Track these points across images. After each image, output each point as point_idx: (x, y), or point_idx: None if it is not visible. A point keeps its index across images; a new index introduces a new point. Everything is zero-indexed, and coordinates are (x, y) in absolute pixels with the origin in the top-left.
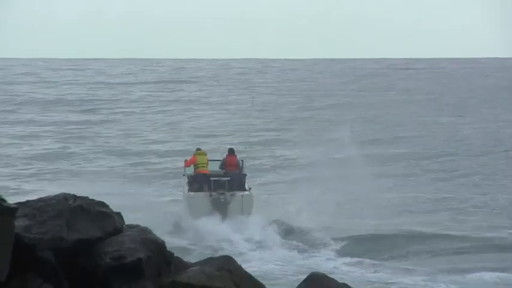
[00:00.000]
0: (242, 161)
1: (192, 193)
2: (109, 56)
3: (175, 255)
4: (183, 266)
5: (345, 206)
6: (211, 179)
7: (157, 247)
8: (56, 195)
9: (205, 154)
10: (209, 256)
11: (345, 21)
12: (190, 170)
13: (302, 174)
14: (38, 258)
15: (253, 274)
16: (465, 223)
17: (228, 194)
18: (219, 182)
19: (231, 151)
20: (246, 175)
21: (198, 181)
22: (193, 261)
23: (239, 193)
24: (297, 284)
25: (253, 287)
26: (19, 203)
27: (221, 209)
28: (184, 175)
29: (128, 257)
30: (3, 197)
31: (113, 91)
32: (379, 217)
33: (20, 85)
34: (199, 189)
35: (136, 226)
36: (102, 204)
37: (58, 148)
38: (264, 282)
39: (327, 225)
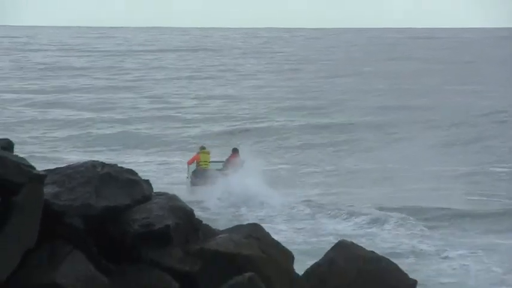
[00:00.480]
0: (244, 161)
1: (196, 187)
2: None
3: None
4: (211, 233)
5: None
6: (213, 172)
7: (186, 214)
8: (84, 162)
9: (208, 153)
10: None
11: None
12: (193, 168)
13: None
14: (66, 225)
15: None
16: None
17: None
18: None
19: (235, 150)
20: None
21: (200, 176)
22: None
23: None
24: (323, 253)
25: (280, 254)
26: (48, 170)
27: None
28: (187, 177)
29: (156, 224)
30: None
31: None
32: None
33: None
34: (201, 184)
35: (165, 194)
36: (130, 171)
37: None
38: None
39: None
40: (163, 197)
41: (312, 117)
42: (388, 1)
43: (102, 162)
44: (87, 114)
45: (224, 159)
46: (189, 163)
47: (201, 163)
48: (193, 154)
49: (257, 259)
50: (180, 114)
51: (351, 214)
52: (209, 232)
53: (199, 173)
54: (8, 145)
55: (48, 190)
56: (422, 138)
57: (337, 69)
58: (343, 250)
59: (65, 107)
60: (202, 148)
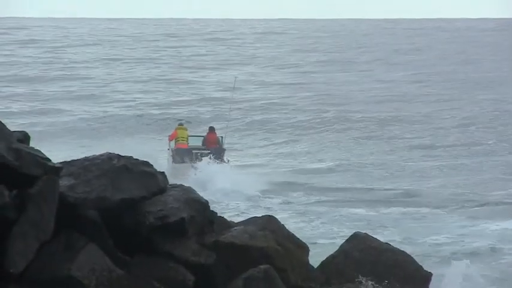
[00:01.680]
0: (222, 137)
1: (176, 164)
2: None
3: None
4: (226, 225)
5: None
6: (193, 151)
7: (201, 207)
8: (100, 155)
9: (185, 129)
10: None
11: None
12: (173, 144)
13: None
14: (82, 217)
15: None
16: None
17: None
18: (200, 155)
19: (211, 129)
20: (225, 150)
21: (180, 154)
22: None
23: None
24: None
25: (295, 247)
26: (64, 162)
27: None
28: (169, 149)
29: (171, 216)
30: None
31: None
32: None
33: None
34: (182, 161)
35: (180, 186)
36: (146, 163)
37: None
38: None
39: None
40: (178, 189)
41: None
42: None
43: (118, 155)
44: None
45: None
46: (170, 139)
47: (178, 139)
48: (172, 130)
49: (272, 251)
50: None
51: None
52: (224, 224)
53: (180, 151)
54: (24, 137)
55: (64, 182)
56: None
57: None
58: (358, 242)
59: None
60: (180, 125)
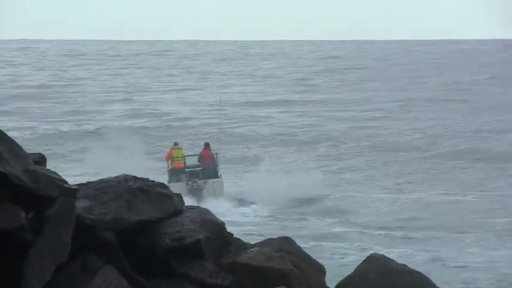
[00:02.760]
0: (216, 153)
1: (172, 183)
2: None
3: None
4: (243, 247)
5: None
6: (186, 170)
7: (217, 228)
8: (116, 177)
9: (180, 148)
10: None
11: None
12: (169, 164)
13: None
14: (98, 239)
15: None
16: None
17: (201, 181)
18: (193, 172)
19: (206, 145)
20: (217, 165)
21: (175, 173)
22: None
23: (211, 180)
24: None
25: (312, 268)
26: (80, 184)
27: (196, 195)
28: (167, 169)
29: (188, 238)
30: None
31: None
32: None
33: None
34: (177, 180)
35: (197, 207)
36: (162, 185)
37: None
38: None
39: None
40: (194, 210)
41: None
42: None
43: (134, 176)
44: None
45: (198, 153)
46: (167, 159)
47: (174, 158)
48: (168, 150)
49: (288, 273)
50: None
51: None
52: (240, 246)
53: (175, 171)
54: (41, 159)
55: (81, 204)
56: None
57: None
58: (375, 263)
59: None
60: (175, 144)
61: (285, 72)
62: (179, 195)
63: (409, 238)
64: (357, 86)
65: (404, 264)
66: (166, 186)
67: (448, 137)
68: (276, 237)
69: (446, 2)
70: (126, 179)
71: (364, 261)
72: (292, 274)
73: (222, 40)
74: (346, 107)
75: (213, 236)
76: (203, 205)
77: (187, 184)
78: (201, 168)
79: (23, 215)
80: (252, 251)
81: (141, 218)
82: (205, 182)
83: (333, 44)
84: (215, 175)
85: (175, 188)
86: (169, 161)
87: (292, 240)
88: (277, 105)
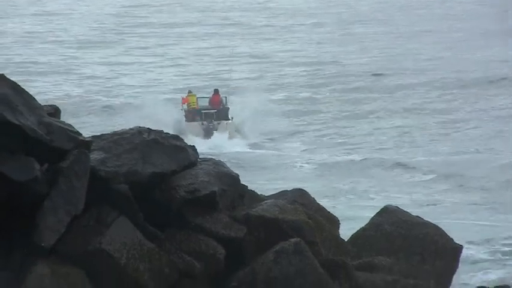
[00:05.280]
0: (225, 97)
1: (188, 123)
2: None
3: None
4: (257, 199)
5: None
6: (202, 111)
7: (231, 180)
8: (130, 129)
9: (194, 95)
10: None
11: None
12: (185, 106)
13: None
14: (113, 191)
15: None
16: None
17: (215, 122)
18: (208, 114)
19: (216, 91)
20: (229, 108)
21: (191, 114)
22: None
23: (224, 122)
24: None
25: (326, 220)
26: (94, 136)
27: (210, 134)
28: (182, 109)
29: (202, 190)
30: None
31: None
32: None
33: None
34: (193, 120)
35: (210, 159)
36: (176, 137)
37: None
38: None
39: None
40: (209, 162)
41: None
42: None
43: (148, 128)
44: None
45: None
46: (183, 102)
47: (190, 103)
48: (185, 96)
49: (303, 224)
50: None
51: None
52: (254, 198)
53: (191, 112)
54: (55, 111)
55: (95, 156)
56: None
57: None
58: (389, 215)
59: None
60: (190, 92)
61: None
62: (193, 147)
63: None
64: None
65: (418, 216)
66: (181, 138)
67: None
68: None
69: None
70: (140, 131)
71: (378, 213)
72: (307, 226)
73: None
74: None
75: (227, 188)
76: (216, 143)
77: (202, 124)
78: (215, 110)
79: (38, 166)
80: (266, 202)
81: (155, 170)
82: (218, 123)
83: None
84: (227, 117)
85: (190, 127)
86: (186, 105)
87: (307, 192)
88: None
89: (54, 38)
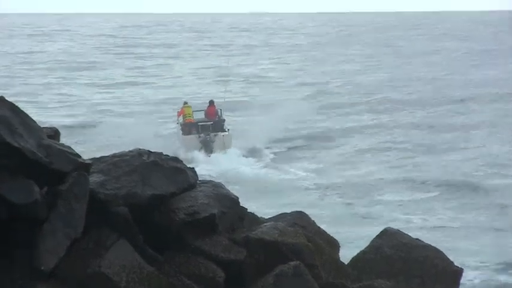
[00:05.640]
0: (220, 109)
1: (186, 136)
2: None
3: None
4: (257, 221)
5: None
6: (199, 124)
7: (231, 203)
8: (130, 151)
9: (190, 107)
10: (283, 212)
11: None
12: (181, 119)
13: None
14: (112, 214)
15: None
16: None
17: (212, 134)
18: (205, 126)
19: (211, 102)
20: (224, 120)
21: (188, 127)
22: None
23: (220, 133)
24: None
25: (326, 243)
26: (94, 158)
27: (208, 146)
28: (177, 123)
29: (202, 212)
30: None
31: None
32: None
33: None
34: (190, 133)
35: (210, 182)
36: (175, 159)
37: None
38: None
39: None
40: (208, 184)
41: None
42: None
43: (148, 151)
44: None
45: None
46: (178, 115)
47: (186, 115)
48: (181, 108)
49: (302, 247)
50: None
51: None
52: (254, 220)
53: (187, 125)
54: (55, 133)
55: (94, 179)
56: None
57: None
58: (389, 238)
59: None
60: (185, 103)
61: None
62: (192, 169)
63: None
64: None
65: (418, 239)
66: (180, 160)
67: None
68: (289, 211)
69: None
70: (140, 153)
71: (378, 235)
72: (306, 249)
73: None
74: None
75: (227, 211)
76: (214, 156)
77: (199, 136)
78: (211, 122)
79: (37, 189)
80: (265, 225)
81: (155, 192)
82: (215, 135)
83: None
84: (223, 129)
85: (188, 139)
86: (181, 117)
87: (306, 215)
88: None
89: None
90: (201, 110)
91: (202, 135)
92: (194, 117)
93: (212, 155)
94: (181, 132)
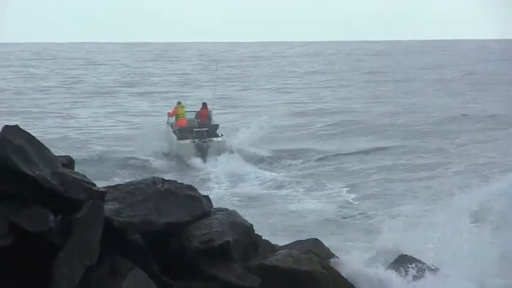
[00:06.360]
0: (211, 111)
1: (181, 141)
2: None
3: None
4: (271, 249)
5: None
6: (194, 129)
7: (245, 230)
8: (144, 179)
9: (183, 107)
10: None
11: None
12: (173, 119)
13: None
14: (127, 242)
15: None
16: None
17: (207, 139)
18: (200, 132)
19: (204, 105)
20: (218, 125)
21: (182, 132)
22: None
23: (215, 139)
24: None
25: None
26: (108, 186)
27: (202, 152)
28: (168, 123)
29: (216, 240)
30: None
31: None
32: None
33: None
34: (185, 138)
35: (225, 209)
36: (190, 187)
37: None
38: None
39: None
40: (222, 212)
41: None
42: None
43: (162, 179)
44: None
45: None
46: (170, 115)
47: (179, 115)
48: (173, 108)
49: (317, 275)
50: None
51: None
52: (269, 248)
53: (183, 129)
54: (69, 162)
55: (109, 207)
56: None
57: None
58: (405, 264)
59: None
60: (179, 103)
61: None
62: (207, 197)
63: None
64: None
65: (433, 266)
66: (195, 188)
67: None
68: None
69: None
70: (155, 181)
71: (394, 261)
72: (321, 276)
73: None
74: None
75: (241, 238)
76: (209, 161)
77: (194, 141)
78: (206, 128)
79: (52, 217)
80: (280, 253)
81: (169, 220)
82: (210, 141)
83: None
84: (216, 134)
85: (182, 144)
86: (174, 117)
87: (321, 242)
88: None
89: None
90: (192, 111)
91: (196, 140)
92: (186, 118)
93: (207, 159)
94: (174, 136)
